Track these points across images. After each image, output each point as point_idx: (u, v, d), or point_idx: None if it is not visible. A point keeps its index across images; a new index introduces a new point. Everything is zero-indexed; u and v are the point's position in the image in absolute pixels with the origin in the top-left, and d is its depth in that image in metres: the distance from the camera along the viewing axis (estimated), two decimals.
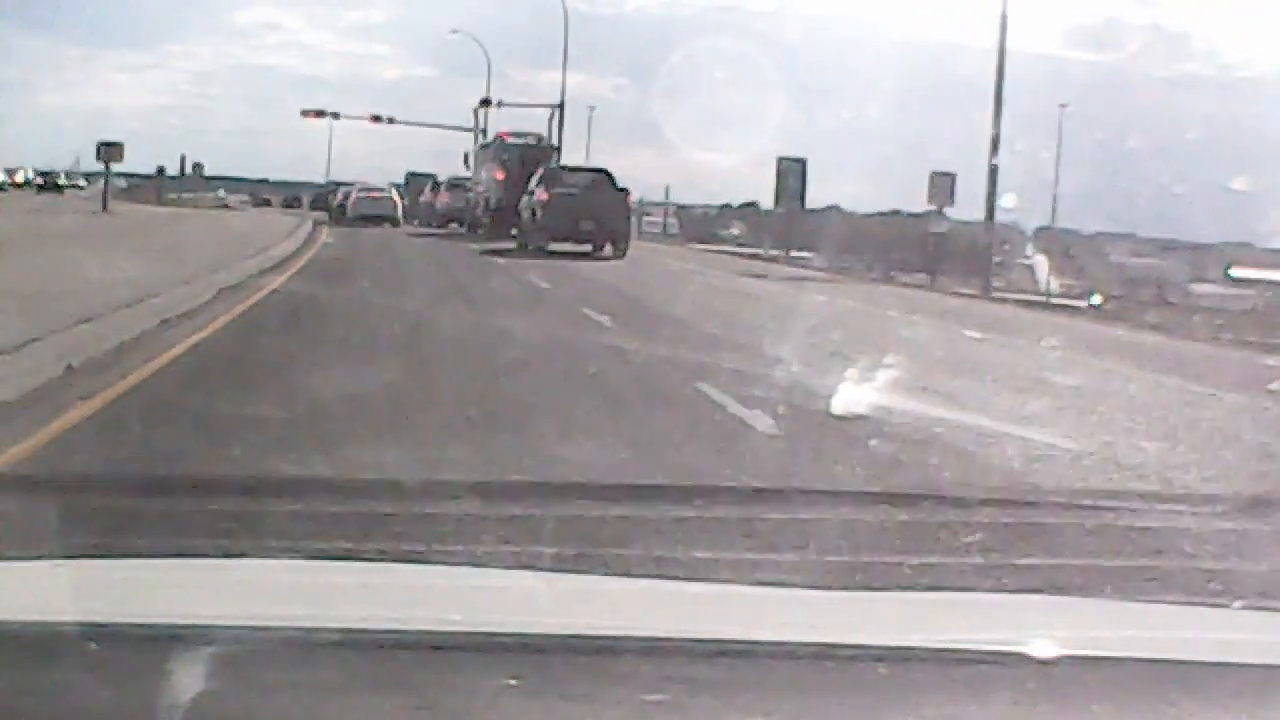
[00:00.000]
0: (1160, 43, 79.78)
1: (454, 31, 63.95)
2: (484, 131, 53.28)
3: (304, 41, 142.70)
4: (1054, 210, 44.70)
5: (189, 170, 64.82)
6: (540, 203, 34.15)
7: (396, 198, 54.22)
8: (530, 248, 33.40)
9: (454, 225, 49.30)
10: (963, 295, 27.50)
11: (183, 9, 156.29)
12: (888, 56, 71.65)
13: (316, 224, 43.43)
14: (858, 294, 25.40)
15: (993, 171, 29.57)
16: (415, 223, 54.60)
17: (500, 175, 42.06)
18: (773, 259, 39.75)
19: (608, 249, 33.25)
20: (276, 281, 18.55)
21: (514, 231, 37.06)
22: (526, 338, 13.02)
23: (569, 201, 33.19)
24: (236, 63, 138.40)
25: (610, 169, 36.66)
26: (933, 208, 31.26)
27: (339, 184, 60.00)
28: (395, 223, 51.13)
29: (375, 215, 51.01)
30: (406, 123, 62.54)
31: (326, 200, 60.20)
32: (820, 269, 34.98)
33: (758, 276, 29.90)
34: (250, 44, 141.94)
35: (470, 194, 48.01)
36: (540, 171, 37.02)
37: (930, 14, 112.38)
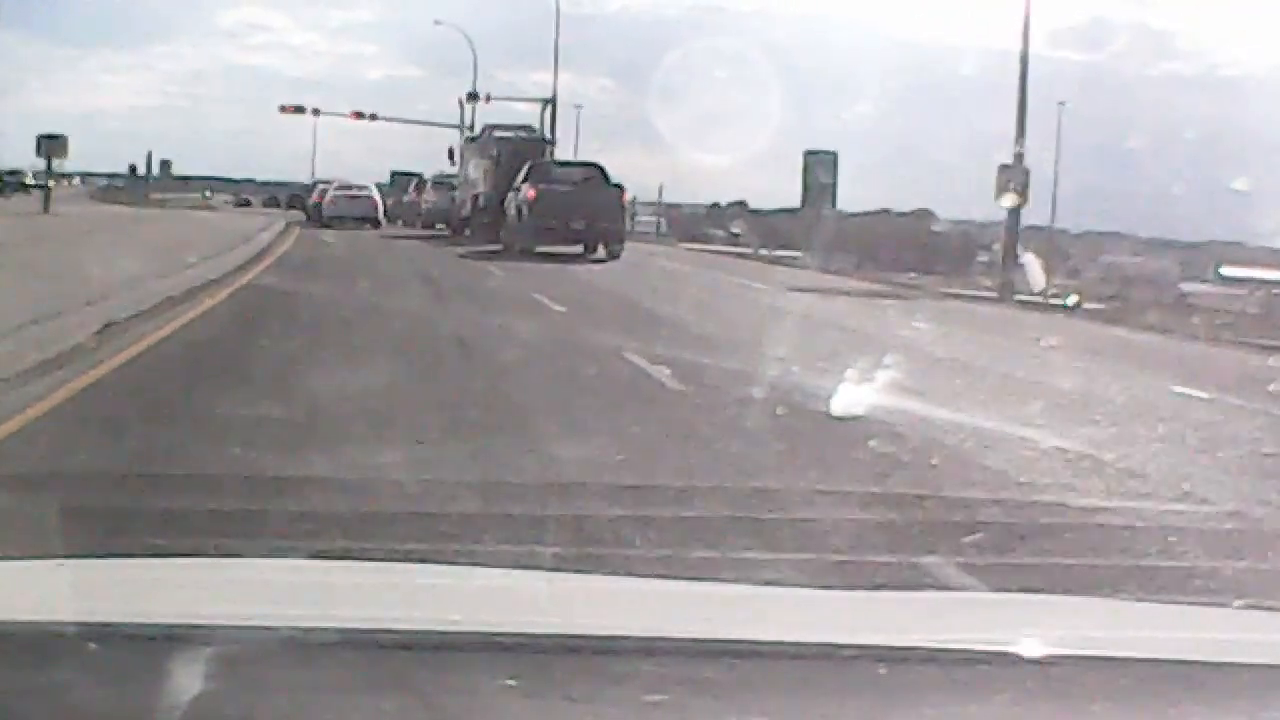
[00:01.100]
0: (1147, 42, 79.71)
1: (438, 22, 61.84)
2: (471, 127, 48.91)
3: (291, 42, 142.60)
4: (1054, 209, 44.33)
5: (156, 168, 63.27)
6: (527, 200, 30.80)
7: (377, 197, 49.19)
8: (517, 249, 29.91)
9: (441, 226, 45.19)
10: (985, 300, 25.48)
11: (169, 9, 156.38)
12: (876, 56, 71.53)
13: (289, 225, 39.15)
14: (935, 314, 20.39)
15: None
16: (400, 223, 50.96)
17: (489, 171, 37.78)
18: (765, 259, 36.70)
19: (600, 250, 30.46)
20: (196, 310, 13.70)
21: (500, 232, 33.47)
22: (569, 421, 7.93)
23: (558, 199, 30.21)
24: (223, 63, 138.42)
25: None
26: (1004, 207, 27.94)
27: (320, 182, 55.44)
28: (376, 224, 46.51)
29: (353, 216, 45.94)
30: (389, 119, 59.72)
31: (304, 200, 55.99)
32: (845, 274, 30.82)
33: (809, 291, 23.68)
34: (237, 44, 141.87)
35: (456, 192, 43.52)
36: (526, 167, 33.37)
37: (917, 13, 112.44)
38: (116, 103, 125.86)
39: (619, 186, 32.44)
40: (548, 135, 44.58)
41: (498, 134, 40.68)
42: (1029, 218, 33.62)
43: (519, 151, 37.11)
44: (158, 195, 63.51)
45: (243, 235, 29.60)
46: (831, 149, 37.98)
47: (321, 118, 59.95)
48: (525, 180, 31.99)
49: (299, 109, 57.73)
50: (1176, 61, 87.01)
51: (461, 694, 1.42)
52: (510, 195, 32.74)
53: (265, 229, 33.88)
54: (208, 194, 73.08)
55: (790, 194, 40.42)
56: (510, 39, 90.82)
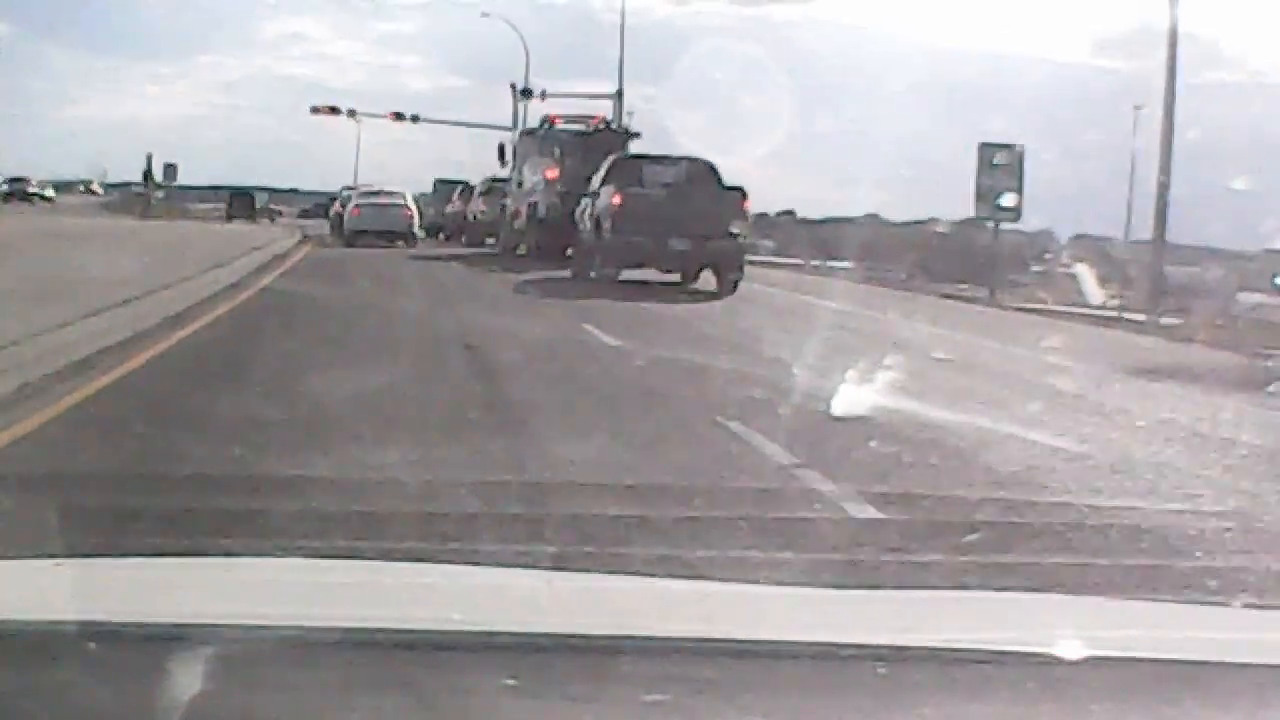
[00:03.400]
0: (1192, 50, 79.31)
1: (485, 15, 57.46)
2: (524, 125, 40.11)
3: (332, 52, 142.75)
4: (1129, 219, 41.17)
5: (161, 173, 61.42)
6: (610, 209, 22.37)
7: (411, 206, 40.30)
8: (590, 275, 22.65)
9: (491, 241, 37.43)
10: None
11: (211, 20, 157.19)
12: (920, 64, 71.11)
13: (304, 240, 33.82)
14: None
15: (1161, 189, 24.63)
16: (442, 237, 44.43)
17: (553, 173, 29.78)
18: (818, 271, 31.53)
19: (702, 278, 22.61)
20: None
21: (569, 252, 25.85)
22: None
23: (655, 207, 22.06)
24: (265, 73, 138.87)
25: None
26: None
27: (347, 189, 48.50)
28: (410, 239, 37.91)
29: (382, 229, 37.39)
30: (431, 120, 55.28)
31: (328, 209, 49.99)
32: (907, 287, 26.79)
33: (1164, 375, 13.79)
34: (279, 55, 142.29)
35: (509, 200, 34.50)
36: (608, 163, 24.84)
37: (955, 22, 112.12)
38: (158, 113, 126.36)
39: (739, 190, 23.56)
40: (627, 126, 34.53)
41: (563, 125, 32.51)
42: (1068, 225, 31.45)
43: (592, 147, 28.94)
44: (199, 205, 63.35)
45: (231, 255, 22.99)
46: (1015, 142, 29.05)
47: (363, 125, 56.67)
48: (607, 181, 23.66)
49: (334, 110, 54.41)
50: (1221, 70, 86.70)
51: (461, 694, 1.42)
52: (584, 203, 24.62)
53: (263, 247, 26.54)
54: None
55: (837, 202, 38.80)
56: (551, 49, 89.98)
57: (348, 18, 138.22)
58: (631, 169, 24.35)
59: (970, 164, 28.71)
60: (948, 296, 26.83)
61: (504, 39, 68.54)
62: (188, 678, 1.36)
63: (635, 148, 29.58)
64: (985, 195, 28.17)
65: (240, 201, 60.75)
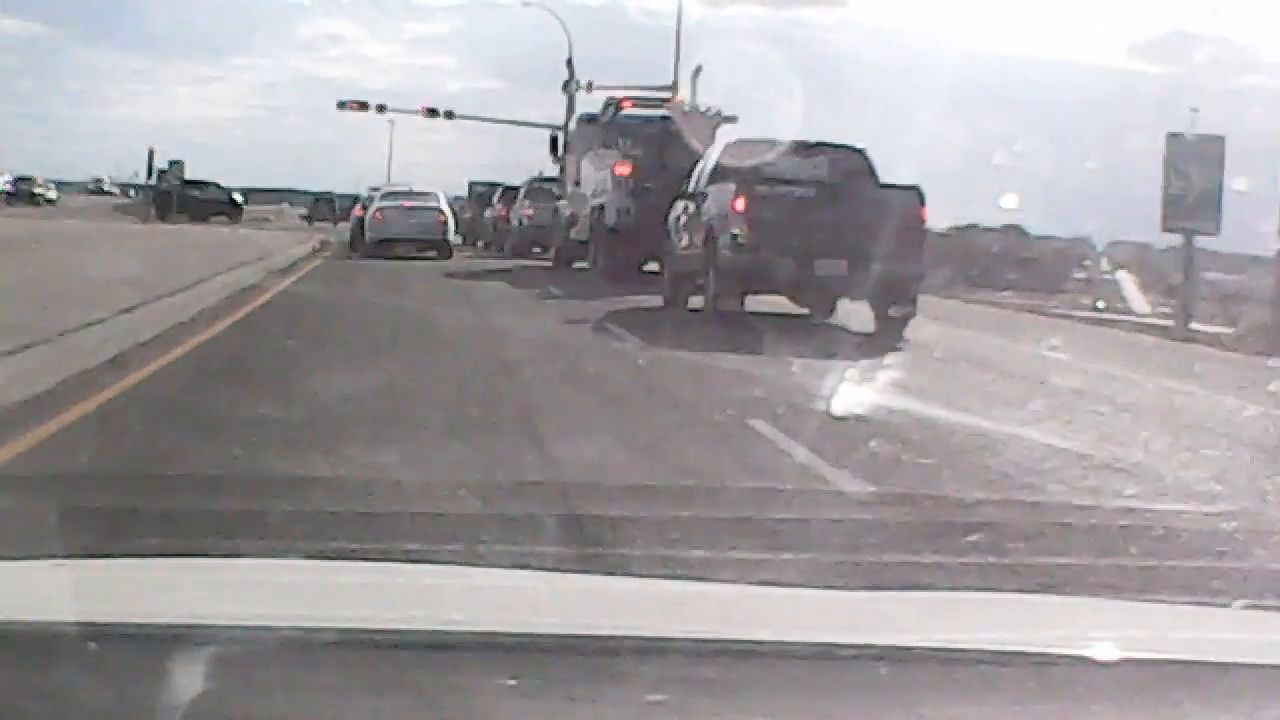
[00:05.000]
0: (1228, 55, 79.13)
1: (526, 3, 50.52)
2: (577, 119, 32.58)
3: (367, 53, 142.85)
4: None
5: (164, 169, 59.88)
6: (731, 216, 15.92)
7: (446, 209, 33.14)
8: (697, 308, 16.65)
9: (538, 251, 32.00)
10: None
11: (246, 22, 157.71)
12: (955, 69, 70.77)
13: (319, 250, 30.65)
14: None
15: None
16: (480, 245, 39.24)
17: (625, 169, 23.38)
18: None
19: (849, 310, 16.50)
20: None
21: (656, 269, 20.26)
22: None
23: (794, 214, 15.70)
24: (300, 75, 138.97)
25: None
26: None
27: (371, 190, 42.54)
28: (444, 249, 31.52)
29: (410, 238, 31.33)
30: (466, 116, 52.51)
31: (349, 213, 44.00)
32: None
33: None
34: (314, 57, 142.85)
35: (564, 202, 28.59)
36: (718, 152, 18.40)
37: (990, 26, 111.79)
38: (193, 114, 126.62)
39: (913, 192, 16.27)
40: (718, 109, 27.36)
41: (632, 113, 26.10)
42: (1107, 231, 29.87)
43: (675, 136, 23.58)
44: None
45: (213, 269, 18.30)
46: (1218, 133, 21.39)
47: (396, 127, 55.03)
48: (719, 177, 17.10)
49: (362, 105, 51.50)
50: (1259, 74, 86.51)
51: (461, 694, 1.42)
52: (681, 206, 18.16)
53: (257, 261, 22.23)
54: (286, 206, 74.42)
55: None
56: (585, 50, 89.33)
57: (381, 18, 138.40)
58: (757, 160, 17.29)
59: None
60: (1104, 322, 21.76)
61: (539, 41, 68.14)
62: (188, 678, 1.36)
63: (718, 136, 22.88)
64: (1175, 200, 20.90)
65: (322, 205, 67.86)
